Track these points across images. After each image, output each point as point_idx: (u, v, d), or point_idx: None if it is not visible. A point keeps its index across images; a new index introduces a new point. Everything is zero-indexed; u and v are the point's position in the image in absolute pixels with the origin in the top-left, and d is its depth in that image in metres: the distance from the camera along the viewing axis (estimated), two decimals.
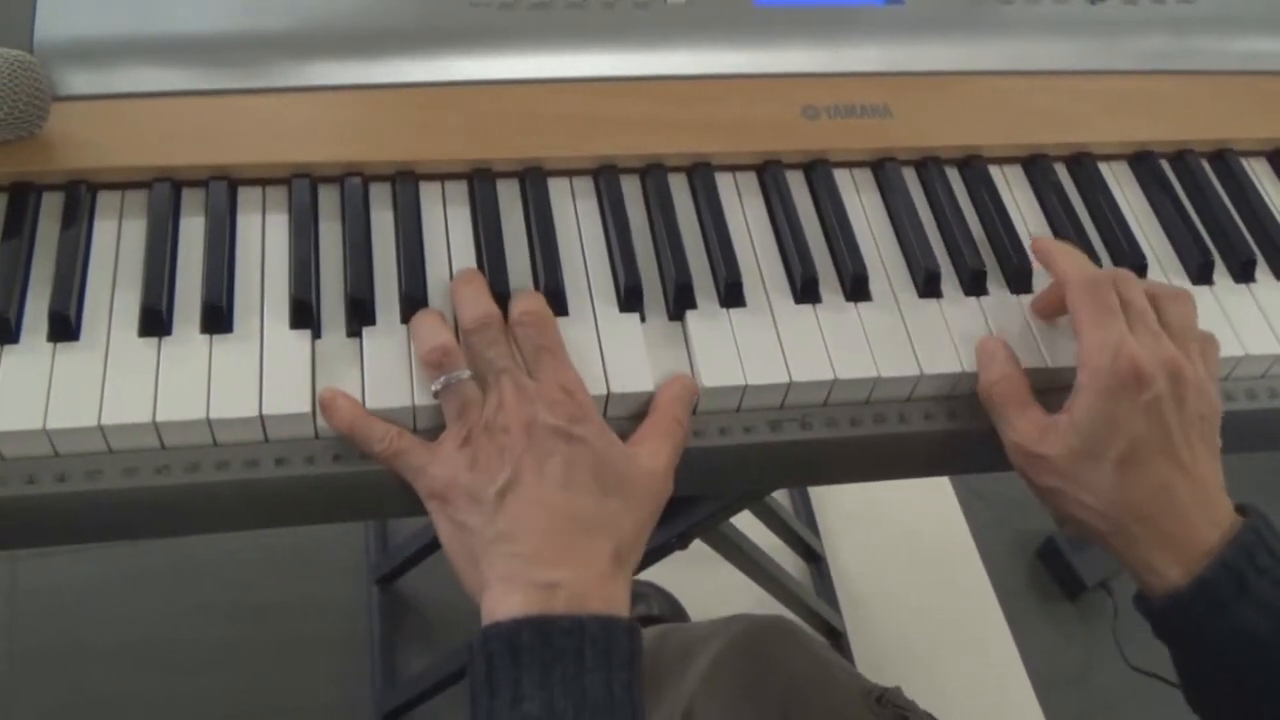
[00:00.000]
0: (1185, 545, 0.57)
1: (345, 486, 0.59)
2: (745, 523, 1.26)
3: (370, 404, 0.58)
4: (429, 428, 0.60)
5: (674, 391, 0.61)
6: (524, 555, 0.54)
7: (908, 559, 1.61)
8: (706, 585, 1.42)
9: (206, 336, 0.60)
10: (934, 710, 0.85)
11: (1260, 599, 0.56)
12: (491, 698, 0.51)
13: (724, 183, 0.70)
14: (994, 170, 0.74)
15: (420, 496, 0.58)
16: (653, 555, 1.11)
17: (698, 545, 1.13)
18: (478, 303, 0.61)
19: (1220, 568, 0.56)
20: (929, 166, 0.73)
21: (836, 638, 1.50)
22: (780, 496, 1.59)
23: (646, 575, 1.24)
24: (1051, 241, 0.67)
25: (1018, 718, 1.49)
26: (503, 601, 0.53)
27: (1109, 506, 0.59)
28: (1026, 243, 0.70)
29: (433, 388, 0.58)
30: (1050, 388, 0.64)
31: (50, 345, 0.58)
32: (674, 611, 1.46)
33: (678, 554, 1.11)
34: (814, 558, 1.59)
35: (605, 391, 0.61)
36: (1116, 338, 0.58)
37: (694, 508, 1.08)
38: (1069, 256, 0.64)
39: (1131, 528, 0.58)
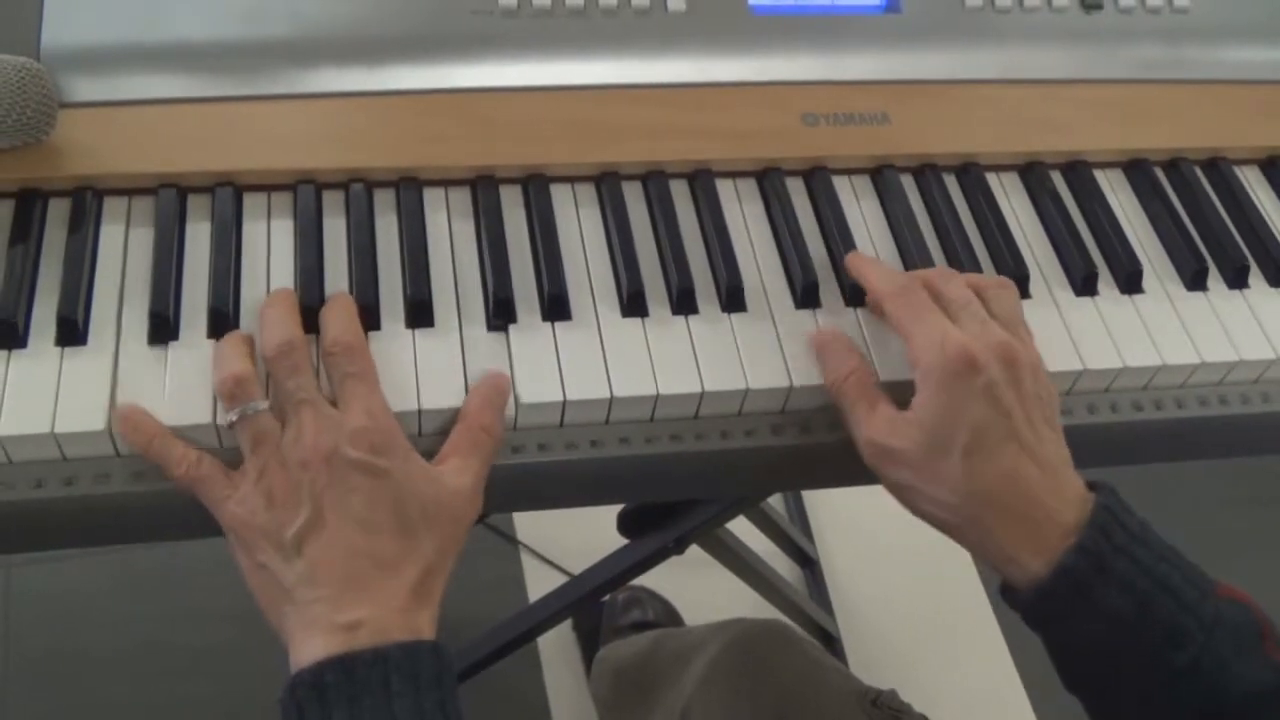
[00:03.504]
0: (1041, 532, 0.57)
1: None
2: (740, 528, 1.26)
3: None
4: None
5: (481, 397, 0.60)
6: (325, 600, 0.53)
7: (901, 563, 1.61)
8: (701, 590, 1.43)
9: (213, 341, 0.60)
10: (927, 712, 0.86)
11: (1121, 578, 0.55)
12: None
13: (725, 189, 0.71)
14: (991, 177, 0.75)
15: (223, 530, 0.57)
16: (649, 561, 1.12)
17: (693, 550, 1.13)
18: (279, 328, 0.58)
19: (1078, 553, 0.55)
20: (927, 173, 0.74)
21: (830, 641, 1.51)
22: (775, 501, 1.59)
23: (643, 580, 1.24)
24: (861, 258, 0.67)
25: (1009, 719, 1.51)
26: (306, 649, 0.52)
27: (961, 499, 0.58)
28: (1023, 249, 0.71)
29: (229, 418, 0.56)
30: None
31: (58, 350, 0.59)
32: (669, 616, 1.47)
33: (673, 559, 1.12)
34: (808, 562, 1.60)
35: (608, 396, 0.61)
36: (940, 330, 0.59)
37: (690, 513, 1.08)
38: (876, 271, 0.64)
39: (985, 519, 0.58)
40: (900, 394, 0.63)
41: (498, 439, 0.60)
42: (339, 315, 0.60)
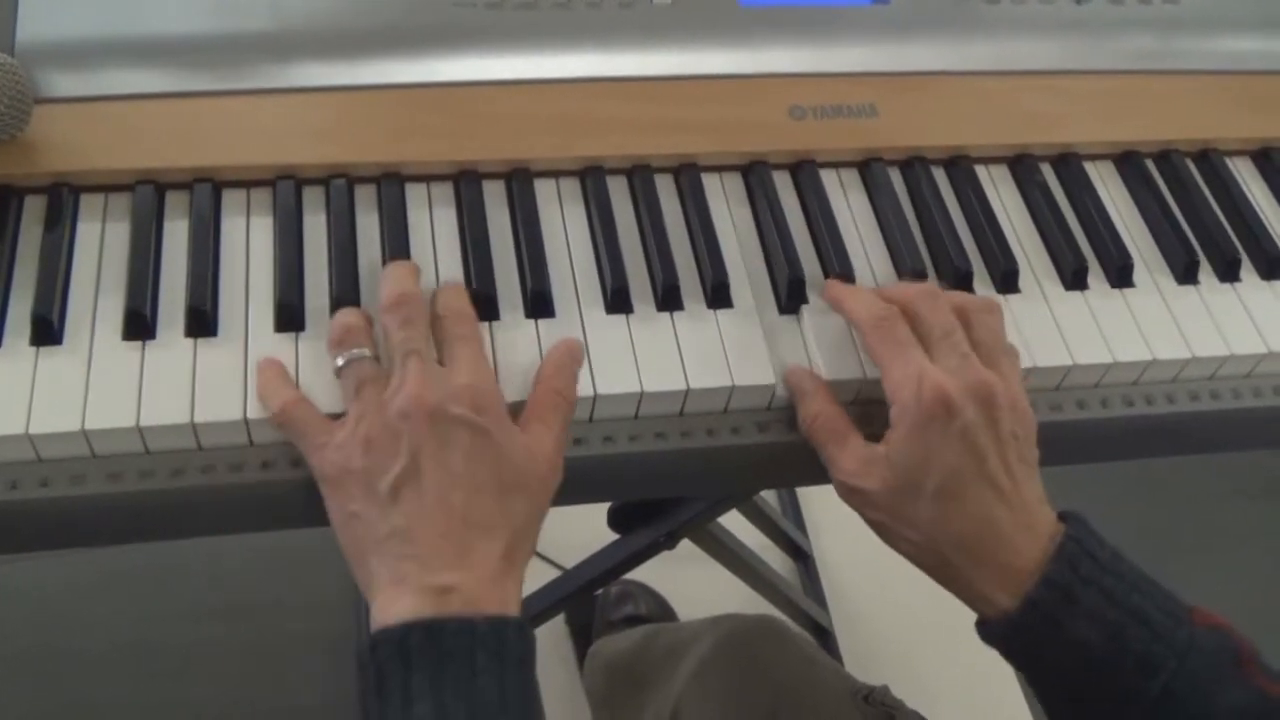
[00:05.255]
0: (1010, 569, 0.57)
1: None
2: (733, 521, 1.26)
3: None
4: None
5: (554, 363, 0.60)
6: (417, 558, 0.52)
7: (894, 557, 1.60)
8: (694, 584, 1.42)
9: (191, 340, 0.59)
10: (920, 707, 0.85)
11: (1090, 608, 0.55)
12: (383, 703, 0.50)
13: (710, 183, 0.70)
14: (980, 170, 0.74)
15: (316, 478, 0.56)
16: (641, 555, 1.12)
17: (685, 544, 1.13)
18: (399, 283, 0.59)
19: (1045, 586, 0.55)
20: (915, 167, 0.73)
21: (824, 636, 1.51)
22: (768, 495, 1.59)
23: (635, 575, 1.24)
24: (840, 287, 0.65)
25: (1003, 715, 1.50)
26: (393, 606, 0.51)
27: (930, 541, 0.58)
28: (1013, 243, 0.71)
29: (335, 364, 0.57)
30: None
31: (33, 349, 0.58)
32: (662, 611, 1.46)
33: (665, 553, 1.11)
34: (801, 556, 1.60)
35: (592, 394, 0.61)
36: (917, 370, 0.57)
37: (681, 507, 1.08)
38: (855, 298, 0.63)
39: (955, 560, 0.58)
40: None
41: (572, 403, 0.60)
42: (455, 290, 0.61)
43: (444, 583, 0.52)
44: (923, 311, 0.60)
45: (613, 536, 1.12)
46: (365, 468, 0.54)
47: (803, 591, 1.53)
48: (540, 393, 0.59)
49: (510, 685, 0.51)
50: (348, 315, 0.58)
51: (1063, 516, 0.59)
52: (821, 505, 1.65)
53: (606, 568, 1.14)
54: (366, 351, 0.56)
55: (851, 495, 0.61)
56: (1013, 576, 0.57)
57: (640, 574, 1.27)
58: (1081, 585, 0.55)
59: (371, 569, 0.53)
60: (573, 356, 0.61)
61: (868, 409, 0.63)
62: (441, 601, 0.51)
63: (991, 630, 0.58)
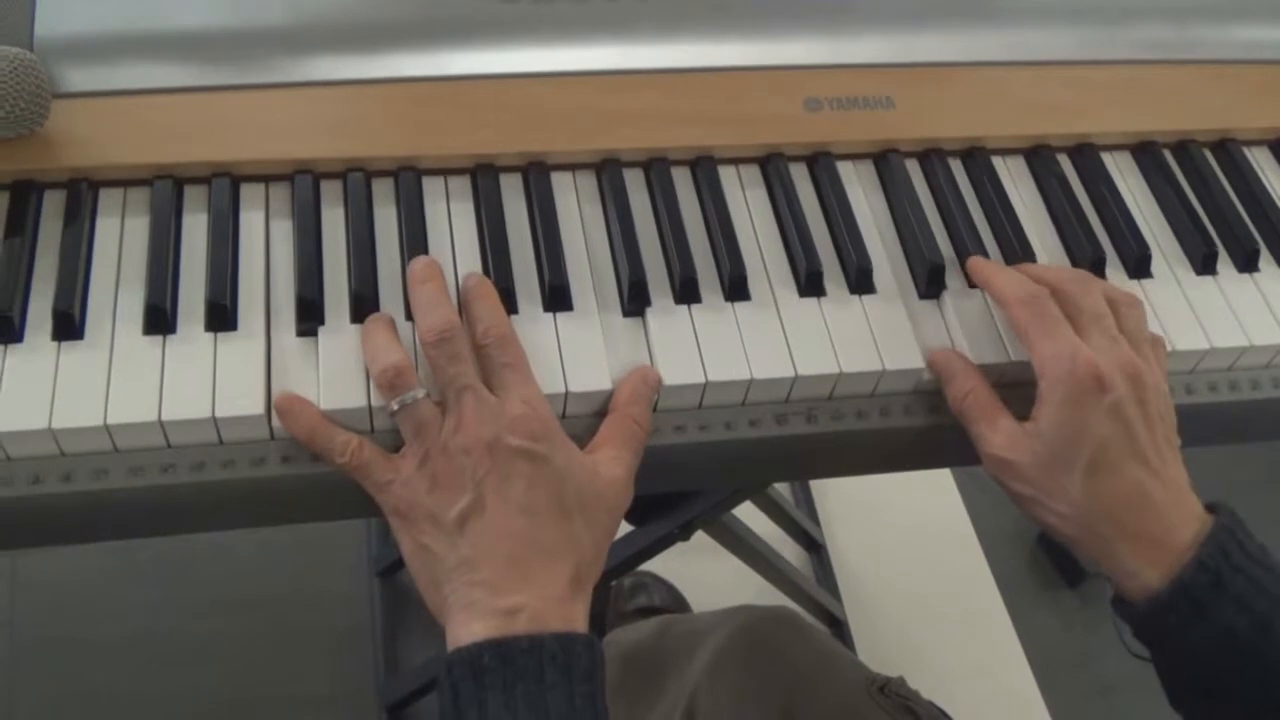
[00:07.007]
0: (1160, 547, 0.57)
1: (352, 484, 0.59)
2: (746, 512, 1.26)
3: (378, 402, 0.58)
4: None
5: (630, 391, 0.61)
6: (485, 584, 0.54)
7: (908, 547, 1.61)
8: (708, 575, 1.43)
9: (211, 334, 0.60)
10: (934, 695, 0.85)
11: (1238, 597, 0.55)
12: None
13: (727, 176, 0.70)
14: (997, 161, 0.74)
15: (384, 512, 0.58)
16: (655, 546, 1.12)
17: (699, 535, 1.13)
18: (436, 309, 0.58)
19: (1197, 568, 0.56)
20: (932, 158, 0.73)
21: (837, 626, 1.51)
22: (781, 486, 1.59)
23: (649, 566, 1.24)
24: (985, 263, 0.67)
25: (1018, 704, 1.50)
26: (465, 629, 0.53)
27: (1080, 513, 0.58)
28: (1030, 233, 0.70)
29: (390, 408, 0.57)
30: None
31: (54, 344, 0.58)
32: (676, 602, 1.46)
33: (679, 544, 1.12)
34: (814, 547, 1.60)
35: (610, 388, 0.61)
36: (1070, 345, 0.59)
37: (696, 499, 1.08)
38: (1004, 275, 0.64)
39: (1105, 532, 0.58)
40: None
41: (647, 431, 0.61)
42: (487, 305, 0.61)
43: (511, 604, 0.53)
44: (1074, 294, 0.62)
45: (627, 528, 1.12)
46: (432, 505, 0.55)
47: (816, 582, 1.53)
48: (616, 419, 0.60)
49: (580, 698, 0.52)
50: (391, 354, 0.57)
51: (1211, 507, 0.59)
52: (835, 496, 1.65)
53: (620, 559, 1.14)
54: (419, 394, 0.56)
55: (1000, 468, 0.61)
56: (1163, 553, 0.57)
57: (654, 565, 1.28)
58: (1232, 573, 0.56)
59: (444, 596, 0.55)
60: (648, 384, 0.61)
61: (887, 403, 0.62)
62: (510, 622, 0.53)
63: (1131, 609, 0.59)
